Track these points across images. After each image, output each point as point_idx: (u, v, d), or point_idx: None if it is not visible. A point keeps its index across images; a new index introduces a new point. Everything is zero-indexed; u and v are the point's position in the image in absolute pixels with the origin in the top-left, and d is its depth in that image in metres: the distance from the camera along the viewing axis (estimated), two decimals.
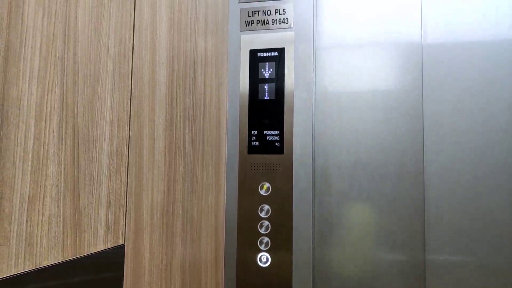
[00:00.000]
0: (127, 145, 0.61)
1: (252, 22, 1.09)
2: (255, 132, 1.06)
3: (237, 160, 1.07)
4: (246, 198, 1.06)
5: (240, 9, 1.10)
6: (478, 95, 0.98)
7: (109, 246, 0.57)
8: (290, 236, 1.02)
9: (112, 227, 0.58)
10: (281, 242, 1.02)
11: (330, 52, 1.07)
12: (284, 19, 1.07)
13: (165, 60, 0.73)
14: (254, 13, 1.09)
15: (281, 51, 1.06)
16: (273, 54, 1.06)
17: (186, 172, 0.82)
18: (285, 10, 1.07)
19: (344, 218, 1.03)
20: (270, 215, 1.04)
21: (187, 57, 0.83)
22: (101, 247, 0.55)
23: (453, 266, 0.97)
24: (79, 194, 0.50)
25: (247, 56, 1.08)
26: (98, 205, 0.54)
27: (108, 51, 0.56)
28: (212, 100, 0.97)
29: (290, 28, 1.06)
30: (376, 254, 1.01)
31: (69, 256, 0.49)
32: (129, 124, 0.62)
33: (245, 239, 1.05)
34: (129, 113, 0.62)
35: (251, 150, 1.06)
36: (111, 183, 0.57)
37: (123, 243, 0.60)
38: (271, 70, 1.06)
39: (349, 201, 1.03)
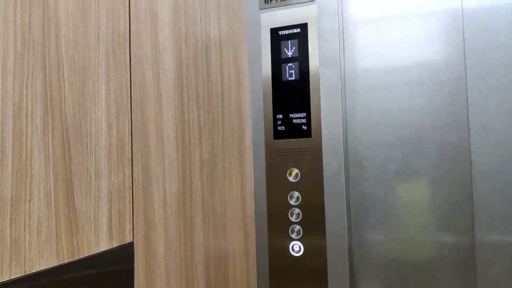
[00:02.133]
0: (130, 137, 0.58)
1: None
2: (280, 116, 1.00)
3: (263, 146, 1.02)
4: (275, 186, 1.01)
5: None
6: None
7: (114, 246, 0.54)
8: (323, 223, 0.96)
9: (117, 225, 0.55)
10: (314, 230, 0.97)
11: (358, 25, 0.99)
12: None
13: (171, 45, 0.69)
14: None
15: (304, 27, 0.98)
16: (295, 31, 0.99)
17: (203, 161, 0.78)
18: None
19: (381, 201, 0.96)
20: (300, 202, 0.98)
21: (198, 41, 0.78)
22: (104, 247, 0.52)
23: (506, 248, 0.87)
24: (73, 193, 0.48)
25: (267, 36, 1.01)
26: (98, 203, 0.51)
27: (99, 37, 0.53)
28: (231, 85, 0.92)
29: (312, 1, 0.98)
30: (419, 237, 0.93)
31: (66, 259, 0.46)
32: (131, 115, 0.58)
33: (275, 228, 1.00)
34: (129, 103, 0.58)
35: (277, 135, 1.00)
36: (112, 178, 0.54)
37: (131, 241, 0.57)
38: (294, 48, 0.99)
39: (385, 183, 0.95)
